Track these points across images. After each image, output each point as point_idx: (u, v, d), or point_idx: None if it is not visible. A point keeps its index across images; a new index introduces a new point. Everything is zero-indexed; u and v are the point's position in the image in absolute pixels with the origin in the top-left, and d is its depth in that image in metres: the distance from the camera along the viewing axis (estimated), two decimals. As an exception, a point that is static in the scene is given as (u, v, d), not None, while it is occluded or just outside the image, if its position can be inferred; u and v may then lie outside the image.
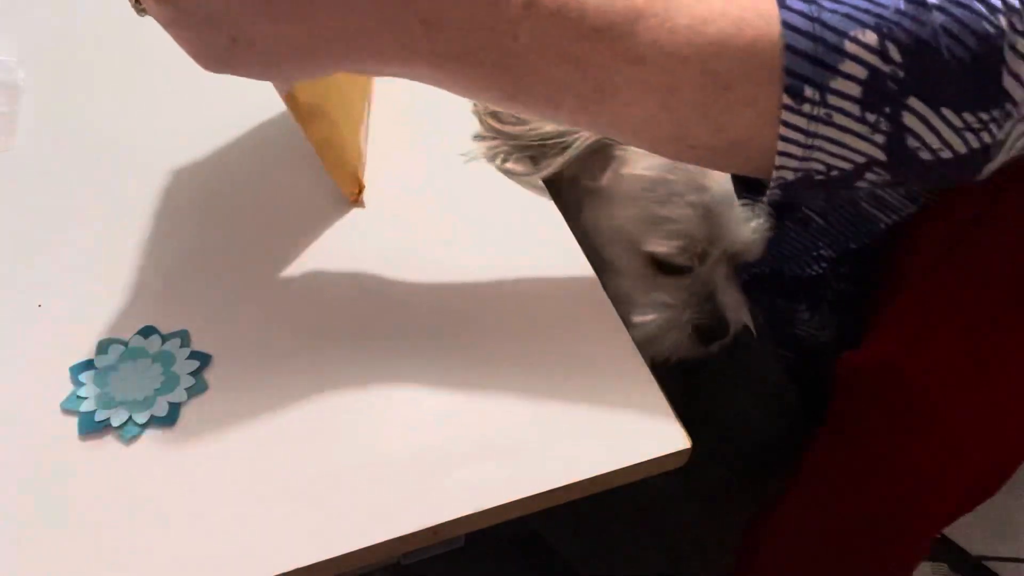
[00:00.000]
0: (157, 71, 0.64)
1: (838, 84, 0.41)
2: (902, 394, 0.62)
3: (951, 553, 1.11)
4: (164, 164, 0.59)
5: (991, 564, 1.11)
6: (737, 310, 0.63)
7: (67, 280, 0.51)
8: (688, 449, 0.45)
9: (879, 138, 0.43)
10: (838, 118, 0.42)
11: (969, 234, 0.60)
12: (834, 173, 0.45)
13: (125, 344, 0.48)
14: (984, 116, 0.42)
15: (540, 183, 0.58)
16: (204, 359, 0.47)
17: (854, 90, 0.41)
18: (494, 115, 0.58)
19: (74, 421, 0.44)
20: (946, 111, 0.42)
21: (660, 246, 0.59)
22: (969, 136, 0.43)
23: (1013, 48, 0.41)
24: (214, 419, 0.45)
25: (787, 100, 0.41)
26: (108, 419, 0.44)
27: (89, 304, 0.50)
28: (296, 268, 0.53)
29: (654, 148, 0.47)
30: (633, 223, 0.60)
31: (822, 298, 0.72)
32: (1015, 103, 0.42)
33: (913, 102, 0.42)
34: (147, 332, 0.48)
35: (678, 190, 0.58)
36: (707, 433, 0.49)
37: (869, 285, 0.70)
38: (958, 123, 0.42)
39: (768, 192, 0.47)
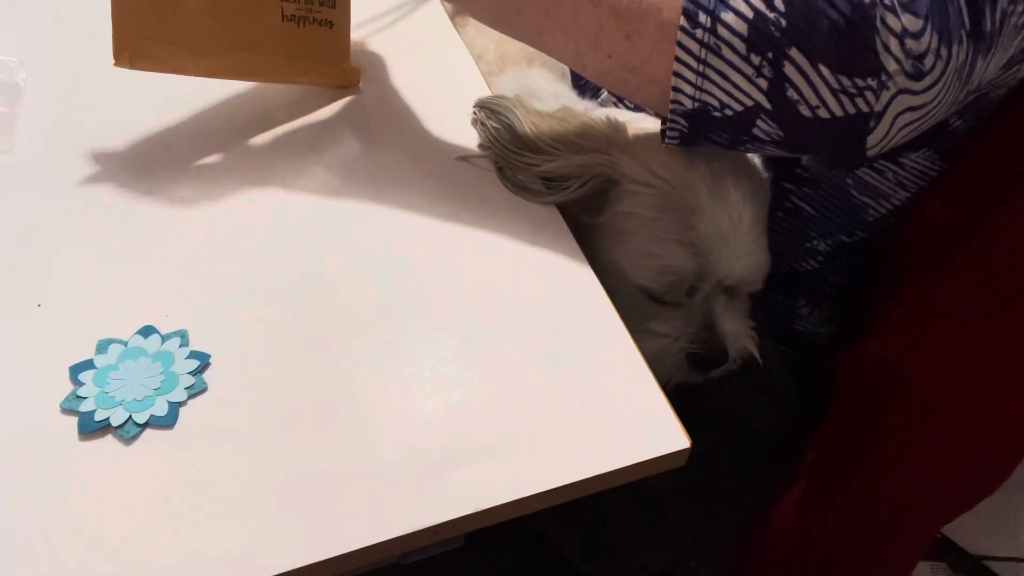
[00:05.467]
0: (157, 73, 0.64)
1: (728, 18, 0.48)
2: (901, 391, 0.62)
3: (951, 553, 1.11)
4: (164, 165, 0.59)
5: (991, 564, 1.11)
6: (738, 339, 0.63)
7: (67, 280, 0.52)
8: (688, 449, 0.45)
9: (762, 82, 0.48)
10: (726, 52, 0.48)
11: (967, 231, 0.61)
12: (728, 112, 0.50)
13: (125, 344, 0.48)
14: (860, 82, 0.47)
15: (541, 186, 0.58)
16: (203, 359, 0.47)
17: (741, 27, 0.47)
18: (497, 130, 0.58)
19: (74, 421, 0.44)
20: (823, 68, 0.47)
21: (651, 282, 0.61)
22: (844, 99, 0.48)
23: (883, 22, 0.45)
24: (213, 419, 0.45)
25: (683, 22, 0.48)
26: (108, 419, 0.44)
27: (89, 304, 0.50)
28: (296, 269, 0.53)
29: (579, 52, 0.53)
30: (626, 258, 0.61)
31: (821, 293, 0.72)
32: (889, 75, 0.46)
33: (794, 53, 0.47)
34: (147, 332, 0.48)
35: (668, 228, 0.59)
36: (707, 431, 0.50)
37: (867, 280, 0.70)
38: (834, 84, 0.47)
39: (670, 122, 0.52)
